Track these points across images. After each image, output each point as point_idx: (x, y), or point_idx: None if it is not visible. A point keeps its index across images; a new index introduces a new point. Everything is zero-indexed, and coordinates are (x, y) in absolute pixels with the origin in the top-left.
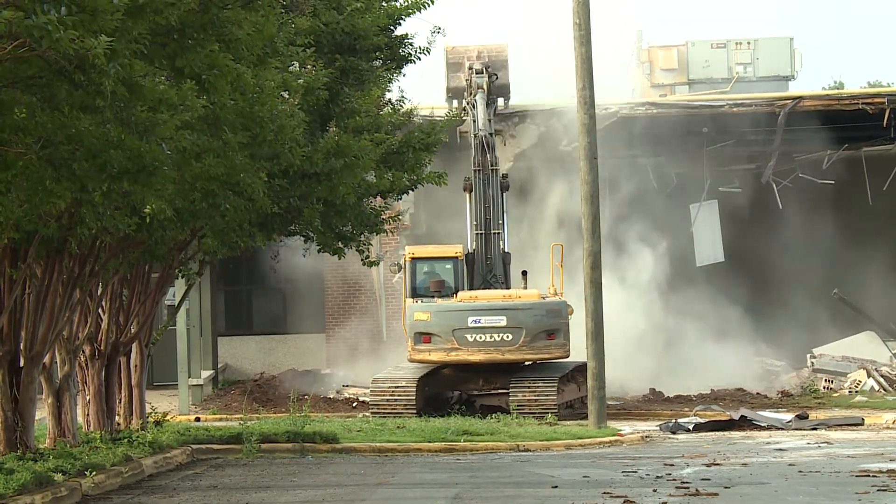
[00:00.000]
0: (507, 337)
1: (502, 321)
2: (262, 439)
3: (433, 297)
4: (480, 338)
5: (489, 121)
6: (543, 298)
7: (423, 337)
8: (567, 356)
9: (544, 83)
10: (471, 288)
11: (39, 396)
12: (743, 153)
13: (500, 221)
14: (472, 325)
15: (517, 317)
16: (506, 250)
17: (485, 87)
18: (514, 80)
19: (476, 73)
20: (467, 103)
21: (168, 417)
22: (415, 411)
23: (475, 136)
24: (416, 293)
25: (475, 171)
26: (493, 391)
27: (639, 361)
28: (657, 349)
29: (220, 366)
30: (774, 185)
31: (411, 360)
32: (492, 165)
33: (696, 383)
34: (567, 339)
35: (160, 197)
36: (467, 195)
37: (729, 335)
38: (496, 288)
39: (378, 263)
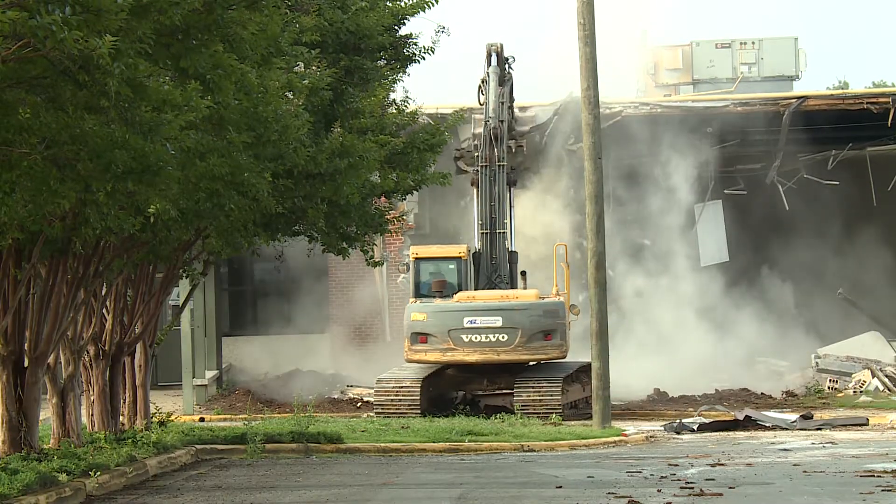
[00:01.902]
0: (503, 337)
1: (498, 321)
2: (267, 440)
3: (435, 297)
4: (476, 338)
5: (501, 104)
6: (541, 299)
7: (420, 337)
8: (564, 356)
9: (547, 86)
10: (477, 288)
11: (44, 397)
12: (747, 153)
13: (506, 220)
14: (468, 325)
15: (513, 317)
16: (512, 249)
17: (499, 47)
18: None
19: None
20: (482, 81)
21: (172, 418)
22: (419, 411)
23: (485, 123)
24: (419, 293)
25: (482, 166)
26: (497, 391)
27: (643, 361)
28: (661, 349)
29: (224, 366)
30: (779, 186)
31: (408, 361)
32: (499, 160)
33: (701, 383)
34: (564, 340)
35: (164, 197)
36: (474, 190)
37: (733, 335)
38: (501, 288)
39: (382, 264)
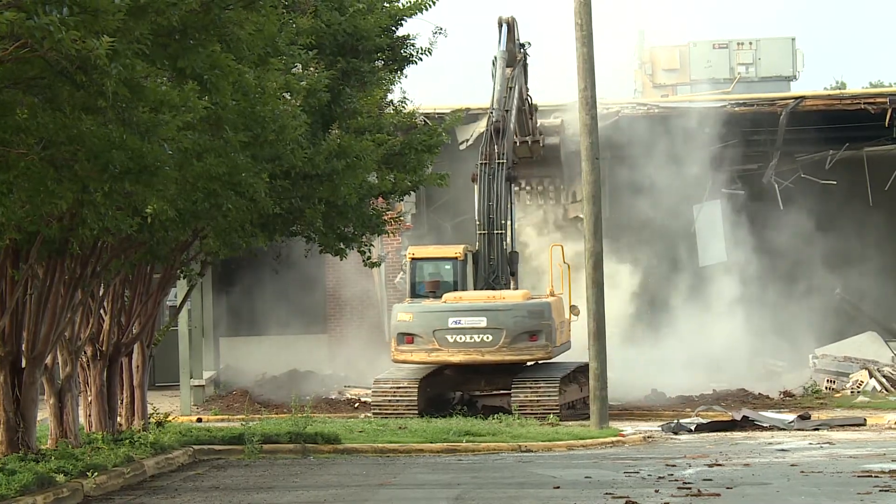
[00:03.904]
0: (488, 338)
1: (482, 322)
2: (264, 440)
3: (428, 297)
4: (460, 339)
5: (510, 90)
6: (529, 299)
7: (406, 337)
8: (549, 357)
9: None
10: (476, 289)
11: (41, 397)
12: (745, 153)
13: (504, 221)
14: (453, 325)
15: (497, 318)
16: (514, 249)
17: (510, 20)
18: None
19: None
20: (493, 60)
21: (170, 418)
22: (417, 412)
23: (488, 115)
24: (415, 293)
25: (482, 163)
26: (494, 392)
27: (641, 361)
28: (660, 349)
29: (221, 366)
30: (776, 186)
31: (394, 361)
32: (498, 158)
33: (699, 384)
34: (550, 341)
35: (162, 197)
36: (475, 186)
37: (731, 335)
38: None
39: (380, 264)
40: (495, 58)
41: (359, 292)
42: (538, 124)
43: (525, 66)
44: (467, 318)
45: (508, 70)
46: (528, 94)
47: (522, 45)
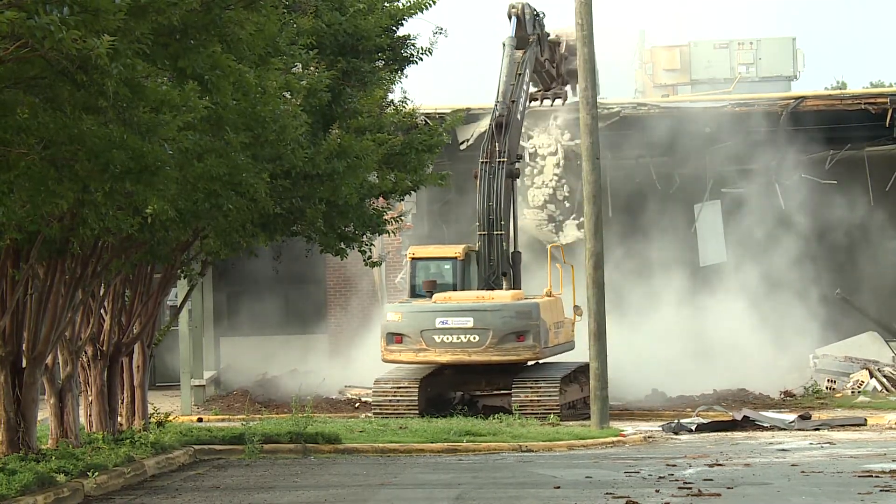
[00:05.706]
0: (474, 338)
1: (469, 322)
2: (265, 440)
3: (426, 297)
4: (448, 339)
5: (519, 76)
6: (519, 300)
7: (395, 337)
8: (538, 358)
9: None
10: (479, 289)
11: (42, 397)
12: (745, 153)
13: (503, 222)
14: (440, 325)
15: (485, 318)
16: (516, 249)
17: (520, 10)
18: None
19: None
20: (502, 47)
21: (170, 418)
22: (417, 412)
23: (493, 109)
24: (415, 293)
25: (483, 162)
26: (495, 392)
27: (642, 361)
28: (661, 350)
29: (222, 366)
30: (777, 185)
31: (384, 360)
32: (499, 156)
33: (699, 384)
34: (538, 341)
35: (162, 197)
36: (477, 183)
37: (731, 335)
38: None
39: (380, 264)
40: (504, 43)
41: (359, 292)
42: (564, 49)
43: (540, 41)
44: (454, 319)
45: (518, 53)
46: (542, 50)
47: (537, 15)
